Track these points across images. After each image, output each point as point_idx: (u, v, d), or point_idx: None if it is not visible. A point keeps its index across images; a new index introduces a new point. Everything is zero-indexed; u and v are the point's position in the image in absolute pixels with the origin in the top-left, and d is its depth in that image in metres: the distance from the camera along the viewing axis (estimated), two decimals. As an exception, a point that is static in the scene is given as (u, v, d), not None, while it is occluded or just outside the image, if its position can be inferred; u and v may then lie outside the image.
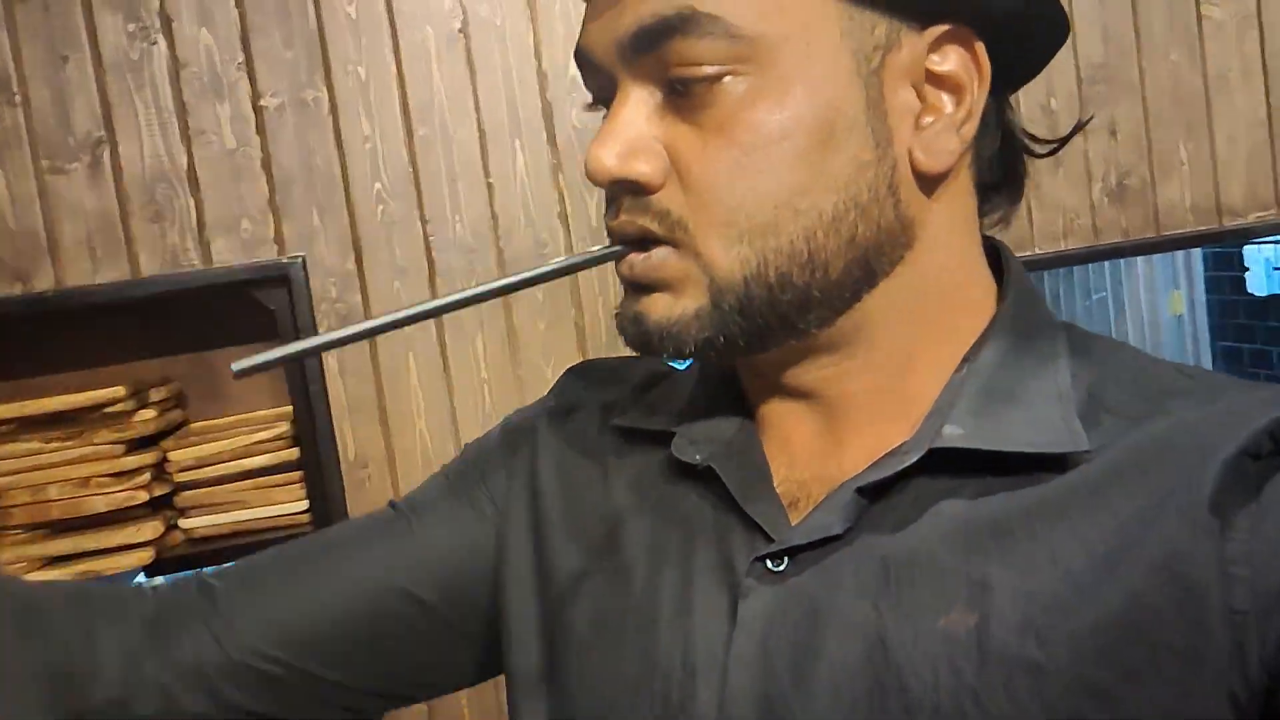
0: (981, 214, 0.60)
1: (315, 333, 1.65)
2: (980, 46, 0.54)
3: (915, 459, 0.52)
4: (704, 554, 0.56)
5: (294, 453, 1.70)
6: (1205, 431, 0.49)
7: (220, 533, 1.70)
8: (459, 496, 0.70)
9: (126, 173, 1.64)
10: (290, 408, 1.74)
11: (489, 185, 1.72)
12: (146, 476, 1.64)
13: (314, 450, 1.69)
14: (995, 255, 0.61)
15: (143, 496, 1.63)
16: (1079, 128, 0.65)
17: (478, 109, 1.71)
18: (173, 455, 1.68)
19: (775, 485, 0.57)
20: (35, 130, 1.62)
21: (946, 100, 0.54)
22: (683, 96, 0.52)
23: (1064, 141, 0.62)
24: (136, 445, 1.66)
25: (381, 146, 1.69)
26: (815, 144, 0.51)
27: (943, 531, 0.51)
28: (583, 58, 0.56)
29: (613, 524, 0.62)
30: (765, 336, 0.54)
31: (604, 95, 0.56)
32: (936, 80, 0.54)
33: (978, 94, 0.54)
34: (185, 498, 1.69)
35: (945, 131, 0.54)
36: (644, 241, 0.55)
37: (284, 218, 1.68)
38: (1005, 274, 0.59)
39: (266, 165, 1.67)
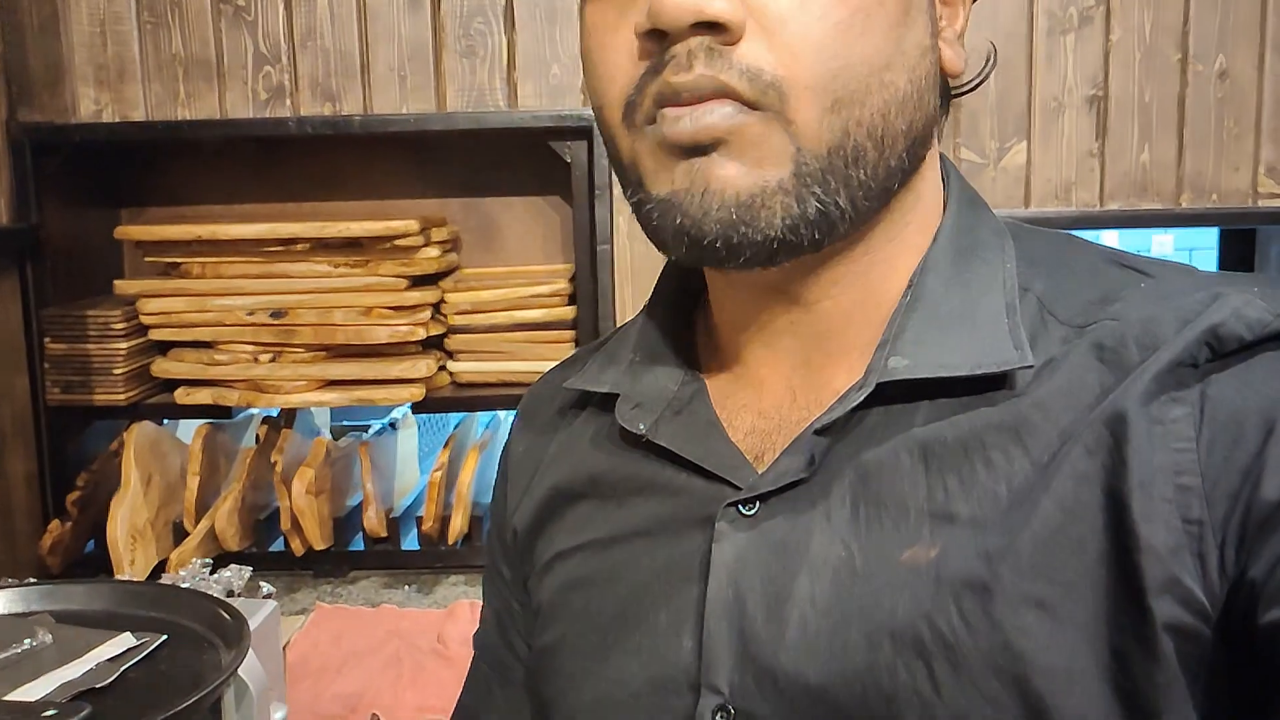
0: None
1: (610, 193, 1.61)
2: None
3: (864, 395, 0.52)
4: (673, 512, 0.57)
5: (569, 311, 1.67)
6: (1144, 338, 0.50)
7: (484, 380, 1.70)
8: (504, 635, 0.70)
9: (445, 2, 1.60)
10: (571, 265, 1.71)
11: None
12: (426, 314, 1.64)
13: (591, 310, 1.66)
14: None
15: (421, 333, 1.63)
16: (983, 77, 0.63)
17: None
18: (450, 297, 1.67)
19: (742, 435, 0.57)
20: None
21: (959, 14, 0.56)
22: None
23: (975, 84, 0.62)
24: (417, 282, 1.65)
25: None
26: (899, 17, 0.51)
27: (904, 464, 0.52)
28: None
29: (583, 497, 0.62)
30: (830, 226, 0.51)
31: None
32: None
33: (967, 10, 0.57)
34: (456, 341, 1.69)
35: (954, 42, 0.56)
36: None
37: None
38: (948, 183, 0.59)
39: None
